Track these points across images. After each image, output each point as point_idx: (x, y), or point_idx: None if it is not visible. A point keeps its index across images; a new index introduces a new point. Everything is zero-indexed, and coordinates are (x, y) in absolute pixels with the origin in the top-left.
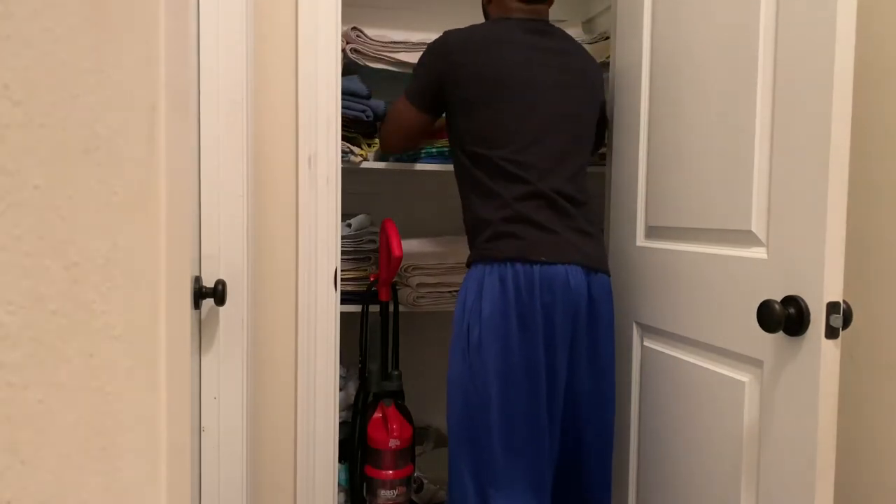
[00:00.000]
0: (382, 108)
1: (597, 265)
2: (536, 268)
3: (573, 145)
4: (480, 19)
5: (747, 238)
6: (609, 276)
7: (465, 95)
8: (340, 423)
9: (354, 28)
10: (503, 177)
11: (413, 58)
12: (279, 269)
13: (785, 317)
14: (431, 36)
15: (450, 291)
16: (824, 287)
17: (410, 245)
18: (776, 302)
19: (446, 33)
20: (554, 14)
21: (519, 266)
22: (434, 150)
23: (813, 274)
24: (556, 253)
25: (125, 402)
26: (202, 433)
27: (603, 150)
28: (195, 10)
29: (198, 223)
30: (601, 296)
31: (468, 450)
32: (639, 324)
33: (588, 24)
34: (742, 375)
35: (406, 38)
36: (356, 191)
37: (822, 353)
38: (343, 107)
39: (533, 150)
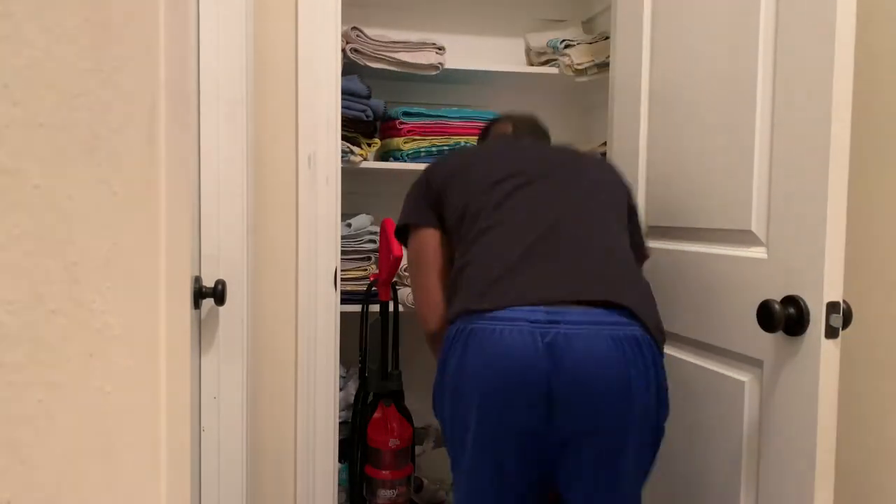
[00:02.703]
0: (382, 108)
1: None
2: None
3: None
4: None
5: (747, 238)
6: None
7: None
8: (340, 423)
9: (354, 28)
10: None
11: (413, 57)
12: (279, 269)
13: (785, 317)
14: (431, 36)
15: None
16: (824, 287)
17: None
18: (776, 302)
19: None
20: (554, 14)
21: None
22: (434, 148)
23: (813, 274)
24: None
25: (125, 402)
26: (202, 433)
27: (603, 150)
28: (195, 11)
29: (198, 223)
30: None
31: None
32: None
33: (588, 23)
34: (742, 375)
35: (406, 38)
36: (356, 191)
37: (821, 352)
38: (343, 107)
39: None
